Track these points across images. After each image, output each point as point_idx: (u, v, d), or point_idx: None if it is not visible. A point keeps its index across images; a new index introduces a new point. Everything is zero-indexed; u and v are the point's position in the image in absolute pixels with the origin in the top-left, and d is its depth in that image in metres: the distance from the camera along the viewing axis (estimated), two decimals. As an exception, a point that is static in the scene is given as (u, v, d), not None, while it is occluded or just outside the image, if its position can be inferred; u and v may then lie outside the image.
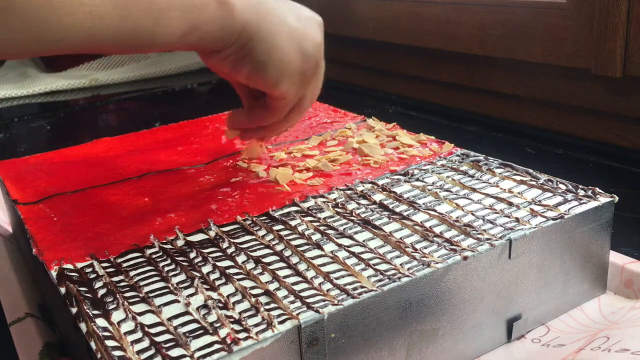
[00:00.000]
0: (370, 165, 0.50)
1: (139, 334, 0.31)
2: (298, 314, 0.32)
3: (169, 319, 0.32)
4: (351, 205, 0.43)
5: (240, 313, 0.32)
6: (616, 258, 0.45)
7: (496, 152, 0.53)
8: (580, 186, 0.44)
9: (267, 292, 0.34)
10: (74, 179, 0.51)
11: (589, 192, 0.43)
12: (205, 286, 0.35)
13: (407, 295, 0.34)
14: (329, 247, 0.38)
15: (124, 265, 0.37)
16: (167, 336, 0.31)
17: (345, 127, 0.59)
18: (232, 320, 0.32)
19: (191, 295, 0.34)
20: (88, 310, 0.33)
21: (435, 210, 0.41)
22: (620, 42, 0.65)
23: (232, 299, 0.33)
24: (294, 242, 0.39)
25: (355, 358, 0.34)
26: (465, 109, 0.89)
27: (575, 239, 0.41)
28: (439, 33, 0.88)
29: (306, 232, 0.40)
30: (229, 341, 0.30)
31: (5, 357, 0.42)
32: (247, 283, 0.35)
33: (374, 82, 1.06)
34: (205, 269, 0.36)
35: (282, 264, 0.36)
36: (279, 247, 0.38)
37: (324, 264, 0.36)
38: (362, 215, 0.41)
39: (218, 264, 0.37)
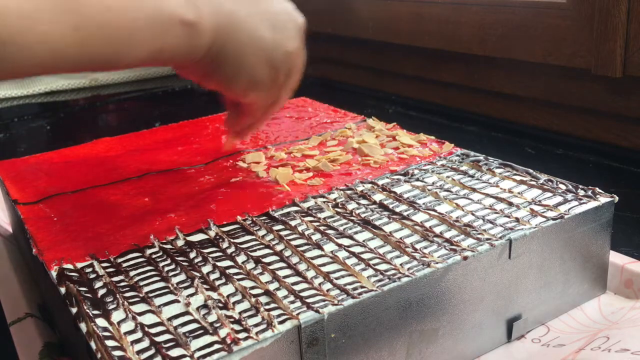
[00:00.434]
0: (370, 165, 0.50)
1: (139, 334, 0.31)
2: (298, 314, 0.32)
3: (169, 319, 0.32)
4: (351, 205, 0.43)
5: (240, 313, 0.32)
6: (616, 258, 0.45)
7: (496, 152, 0.53)
8: (580, 186, 0.44)
9: (267, 292, 0.34)
10: (74, 179, 0.51)
11: (589, 192, 0.43)
12: (205, 286, 0.35)
13: (407, 295, 0.34)
14: (329, 247, 0.38)
15: (124, 265, 0.37)
16: (167, 336, 0.31)
17: (345, 127, 0.59)
18: (232, 320, 0.32)
19: (191, 295, 0.34)
20: (88, 310, 0.33)
21: (435, 210, 0.41)
22: (620, 42, 0.65)
23: (232, 299, 0.33)
24: (294, 242, 0.39)
25: (355, 358, 0.34)
26: (465, 109, 0.89)
27: (575, 239, 0.41)
28: (439, 33, 0.88)
29: (306, 232, 0.40)
30: (229, 341, 0.30)
31: (5, 357, 0.42)
32: (247, 283, 0.35)
33: (374, 82, 1.06)
34: (205, 269, 0.36)
35: (282, 264, 0.36)
36: (279, 247, 0.38)
37: (324, 264, 0.36)
38: (362, 215, 0.41)
39: (218, 264, 0.37)
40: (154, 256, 0.38)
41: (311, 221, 0.41)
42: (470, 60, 0.86)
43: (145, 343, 0.31)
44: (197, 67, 0.40)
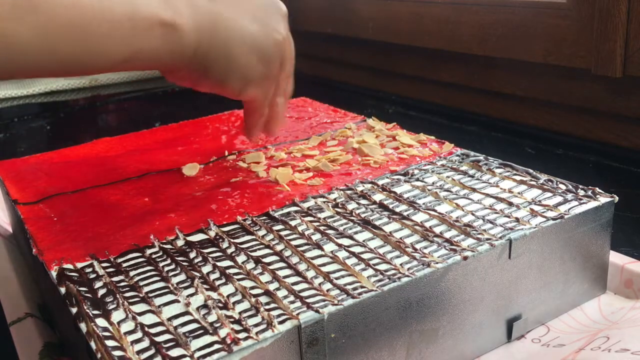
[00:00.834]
0: (370, 165, 0.50)
1: (139, 334, 0.31)
2: (298, 314, 0.32)
3: (169, 319, 0.32)
4: (351, 205, 0.43)
5: (240, 313, 0.32)
6: (616, 258, 0.45)
7: (496, 152, 0.53)
8: (580, 186, 0.44)
9: (267, 292, 0.34)
10: (74, 179, 0.51)
11: (589, 192, 0.43)
12: (205, 286, 0.35)
13: (407, 295, 0.34)
14: (329, 247, 0.38)
15: (124, 265, 0.37)
16: (167, 336, 0.31)
17: (345, 127, 0.59)
18: (232, 320, 0.32)
19: (191, 295, 0.34)
20: (88, 310, 0.33)
21: (435, 210, 0.41)
22: (620, 42, 0.65)
23: (232, 299, 0.33)
24: (294, 242, 0.39)
25: (355, 358, 0.34)
26: (465, 109, 0.89)
27: (575, 239, 0.41)
28: (439, 33, 0.88)
29: (306, 232, 0.40)
30: (229, 341, 0.30)
31: (5, 357, 0.42)
32: (247, 283, 0.35)
33: (374, 82, 1.06)
34: (205, 269, 0.36)
35: (282, 264, 0.36)
36: (279, 247, 0.38)
37: (324, 264, 0.36)
38: (362, 215, 0.41)
39: (218, 264, 0.37)
40: (154, 256, 0.38)
41: (311, 221, 0.41)
42: (470, 60, 0.86)
43: (145, 343, 0.31)
44: (188, 71, 0.40)
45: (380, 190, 0.45)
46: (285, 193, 0.46)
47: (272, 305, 0.33)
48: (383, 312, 0.34)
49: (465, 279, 0.36)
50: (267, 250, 0.38)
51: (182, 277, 0.36)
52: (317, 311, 0.32)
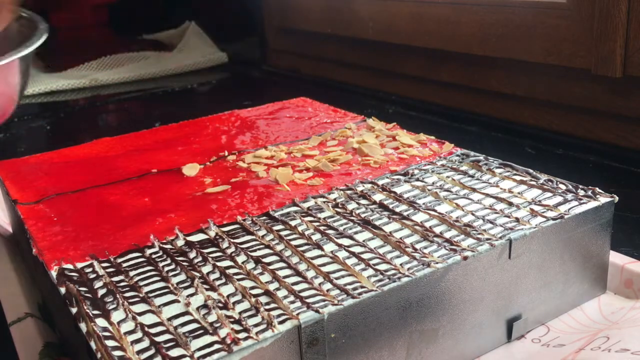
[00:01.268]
0: (370, 165, 0.50)
1: (139, 334, 0.31)
2: (298, 314, 0.32)
3: (169, 319, 0.32)
4: (351, 205, 0.43)
5: (240, 313, 0.32)
6: (616, 258, 0.45)
7: (496, 152, 0.53)
8: (580, 186, 0.44)
9: (267, 292, 0.34)
10: (74, 179, 0.51)
11: (589, 192, 0.43)
12: (205, 286, 0.35)
13: (407, 295, 0.34)
14: (329, 247, 0.38)
15: (124, 265, 0.37)
16: (167, 336, 0.31)
17: (345, 127, 0.59)
18: (232, 320, 0.32)
19: (191, 295, 0.34)
20: (88, 310, 0.33)
21: (435, 210, 0.41)
22: (620, 42, 0.65)
23: (232, 299, 0.33)
24: (294, 242, 0.39)
25: (355, 358, 0.34)
26: (465, 109, 0.89)
27: (575, 239, 0.41)
28: (439, 33, 0.88)
29: (306, 232, 0.40)
30: (229, 341, 0.30)
31: (5, 357, 0.42)
32: (247, 283, 0.35)
33: (374, 82, 1.06)
34: (205, 269, 0.36)
35: (282, 264, 0.36)
36: (279, 247, 0.38)
37: (324, 264, 0.36)
38: (362, 215, 0.41)
39: (218, 264, 0.37)
40: (154, 256, 0.38)
41: (311, 221, 0.41)
42: (470, 60, 0.86)
43: (145, 343, 0.31)
44: None
45: (380, 190, 0.45)
46: (285, 193, 0.46)
47: (272, 305, 0.33)
48: (383, 312, 0.34)
49: (465, 279, 0.36)
50: (267, 250, 0.38)
51: (182, 277, 0.36)
52: (317, 311, 0.32)
